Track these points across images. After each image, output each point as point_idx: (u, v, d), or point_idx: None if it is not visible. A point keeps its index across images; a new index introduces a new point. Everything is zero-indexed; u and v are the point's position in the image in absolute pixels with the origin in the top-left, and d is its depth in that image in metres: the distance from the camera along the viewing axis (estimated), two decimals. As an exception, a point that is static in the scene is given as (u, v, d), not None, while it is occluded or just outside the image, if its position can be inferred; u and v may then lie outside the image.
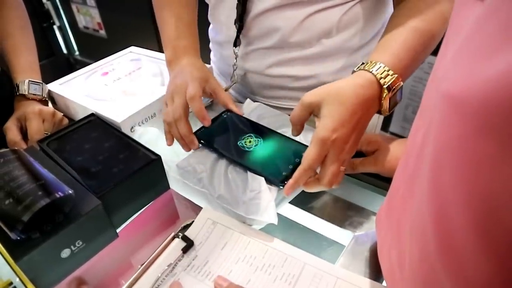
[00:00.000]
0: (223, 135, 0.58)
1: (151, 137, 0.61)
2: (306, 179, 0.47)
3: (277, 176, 0.49)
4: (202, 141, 0.57)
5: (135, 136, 0.60)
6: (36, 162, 0.51)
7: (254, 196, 0.47)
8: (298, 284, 0.41)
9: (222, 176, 0.51)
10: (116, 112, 0.63)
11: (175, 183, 0.55)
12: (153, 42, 2.04)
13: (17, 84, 0.72)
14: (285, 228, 0.51)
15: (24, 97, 0.71)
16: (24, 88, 0.71)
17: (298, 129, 0.51)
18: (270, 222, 0.46)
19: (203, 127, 0.58)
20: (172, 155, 0.57)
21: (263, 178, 0.49)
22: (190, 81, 0.57)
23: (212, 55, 0.86)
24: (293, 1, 0.58)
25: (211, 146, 0.56)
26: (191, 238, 0.47)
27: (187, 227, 0.49)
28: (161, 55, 0.82)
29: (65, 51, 2.83)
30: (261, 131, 0.58)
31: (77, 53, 2.83)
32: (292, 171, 0.49)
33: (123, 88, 0.72)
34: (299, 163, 0.48)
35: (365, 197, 0.55)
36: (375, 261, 0.45)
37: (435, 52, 0.36)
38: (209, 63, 0.82)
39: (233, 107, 0.61)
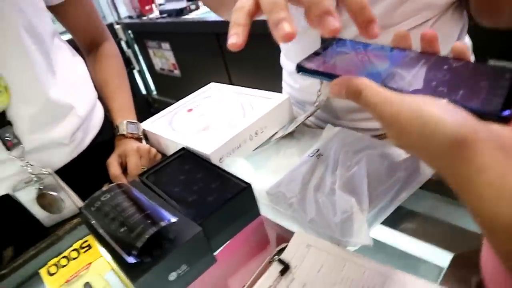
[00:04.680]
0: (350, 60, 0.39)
1: (239, 166, 0.64)
2: None
3: (490, 102, 0.30)
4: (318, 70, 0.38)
5: (224, 167, 0.64)
6: (140, 194, 0.56)
7: (346, 218, 0.48)
8: (399, 306, 0.41)
9: (312, 200, 0.52)
10: (204, 145, 0.68)
11: (266, 209, 0.57)
12: (225, 78, 2.15)
13: (116, 125, 0.80)
14: (378, 250, 0.50)
15: (123, 136, 0.79)
16: (123, 128, 0.79)
17: None
18: (364, 244, 0.46)
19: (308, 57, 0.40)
20: (259, 182, 0.59)
21: (353, 199, 0.49)
22: None
23: (286, 85, 0.89)
24: None
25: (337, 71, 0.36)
26: (287, 261, 0.49)
27: (281, 251, 0.51)
28: (240, 89, 0.88)
29: (144, 92, 3.08)
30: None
31: (154, 92, 3.07)
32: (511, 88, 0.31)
33: (208, 122, 0.78)
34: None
35: (464, 216, 0.53)
36: (478, 280, 0.43)
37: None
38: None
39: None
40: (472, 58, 0.71)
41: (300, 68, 0.39)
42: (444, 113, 0.28)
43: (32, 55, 0.67)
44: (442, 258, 0.48)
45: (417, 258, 0.49)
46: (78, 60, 0.84)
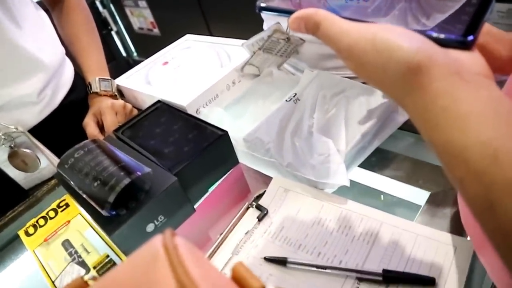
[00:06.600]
0: None
1: (216, 116, 0.62)
2: None
3: (453, 27, 0.29)
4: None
5: (202, 117, 0.63)
6: (115, 148, 0.55)
7: (323, 160, 0.47)
8: (376, 242, 0.41)
9: (289, 144, 0.51)
10: (181, 96, 0.65)
11: (244, 157, 0.56)
12: (205, 32, 2.08)
13: (89, 83, 0.77)
14: (357, 192, 0.50)
15: (97, 94, 0.76)
16: (96, 86, 0.76)
17: None
18: (342, 185, 0.46)
19: None
20: (238, 131, 0.58)
21: (331, 141, 0.48)
22: None
23: (265, 26, 0.86)
24: None
25: None
26: (265, 206, 0.48)
27: (259, 197, 0.50)
28: (216, 39, 0.84)
29: (124, 54, 2.98)
30: None
31: (135, 54, 2.97)
32: (475, 14, 0.29)
33: (184, 74, 0.75)
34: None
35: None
36: (455, 218, 0.43)
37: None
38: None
39: None
40: None
41: (261, 7, 0.37)
42: (399, 40, 0.25)
43: None
44: (419, 197, 0.48)
45: (394, 197, 0.49)
46: (42, 14, 0.80)
